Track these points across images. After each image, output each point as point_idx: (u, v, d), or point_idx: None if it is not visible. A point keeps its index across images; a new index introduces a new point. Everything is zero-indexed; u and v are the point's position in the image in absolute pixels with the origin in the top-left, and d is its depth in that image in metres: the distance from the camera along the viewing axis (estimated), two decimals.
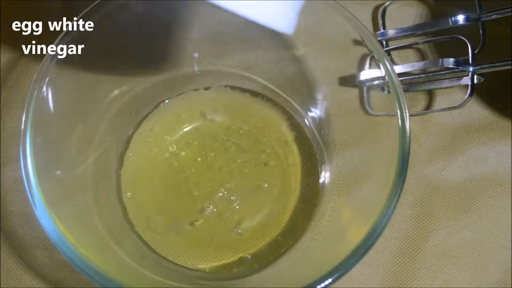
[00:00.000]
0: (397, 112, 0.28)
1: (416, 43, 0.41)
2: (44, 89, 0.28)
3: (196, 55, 0.39)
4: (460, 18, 0.37)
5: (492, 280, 0.36)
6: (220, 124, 0.39)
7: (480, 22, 0.37)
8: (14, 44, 0.40)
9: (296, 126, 0.39)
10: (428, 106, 0.40)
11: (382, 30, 0.41)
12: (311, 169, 0.38)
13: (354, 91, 0.37)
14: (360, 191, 0.33)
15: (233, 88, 0.40)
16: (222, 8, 0.28)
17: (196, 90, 0.40)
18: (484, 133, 0.39)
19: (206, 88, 0.40)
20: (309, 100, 0.38)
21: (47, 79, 0.28)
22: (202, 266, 0.35)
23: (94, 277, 0.25)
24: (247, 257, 0.35)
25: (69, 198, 0.31)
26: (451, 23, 0.37)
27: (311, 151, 0.38)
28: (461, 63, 0.34)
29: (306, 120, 0.39)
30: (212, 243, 0.35)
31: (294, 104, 0.39)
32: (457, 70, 0.34)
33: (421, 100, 0.41)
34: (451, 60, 0.34)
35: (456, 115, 0.40)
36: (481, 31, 0.37)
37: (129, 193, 0.36)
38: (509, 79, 0.40)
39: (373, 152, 0.33)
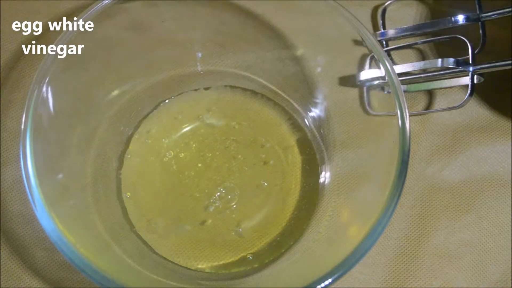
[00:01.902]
0: (397, 112, 0.28)
1: (416, 43, 0.41)
2: (44, 89, 0.28)
3: (199, 54, 0.39)
4: (460, 18, 0.37)
5: (492, 280, 0.36)
6: (220, 124, 0.39)
7: (480, 22, 0.37)
8: (14, 44, 0.40)
9: (296, 126, 0.39)
10: (428, 106, 0.40)
11: (382, 30, 0.41)
12: (311, 169, 0.38)
13: (354, 91, 0.37)
14: (360, 191, 0.33)
15: (233, 87, 0.40)
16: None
17: (196, 90, 0.40)
18: (484, 133, 0.39)
19: (206, 88, 0.40)
20: (309, 100, 0.38)
21: (47, 79, 0.28)
22: (202, 266, 0.35)
23: (94, 277, 0.24)
24: (248, 257, 0.35)
25: (69, 198, 0.31)
26: (451, 23, 0.37)
27: (311, 151, 0.38)
28: (461, 63, 0.34)
29: (306, 120, 0.39)
30: (212, 243, 0.35)
31: (294, 104, 0.39)
32: (457, 70, 0.34)
33: (421, 100, 0.41)
34: (451, 60, 0.34)
35: (456, 115, 0.40)
36: (481, 31, 0.37)
37: (128, 193, 0.36)
38: (509, 79, 0.40)
39: (373, 152, 0.33)
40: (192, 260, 0.35)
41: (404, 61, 0.41)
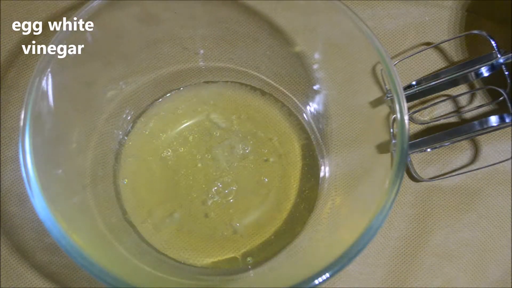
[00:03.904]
0: (396, 111, 0.28)
1: (450, 97, 0.40)
2: (44, 83, 0.28)
3: (201, 50, 0.39)
4: (484, 70, 0.35)
5: (492, 280, 0.36)
6: (219, 118, 0.39)
7: (503, 66, 0.36)
8: (13, 43, 0.40)
9: (297, 125, 0.39)
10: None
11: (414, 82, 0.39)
12: (311, 168, 0.38)
13: (355, 91, 0.36)
14: (359, 189, 0.33)
15: (234, 83, 0.40)
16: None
17: (196, 84, 0.40)
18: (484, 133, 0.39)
19: (206, 83, 0.40)
20: (312, 99, 0.38)
21: (47, 73, 0.28)
22: (197, 260, 0.35)
23: (97, 274, 0.24)
24: (246, 252, 0.35)
25: (69, 193, 0.31)
26: (473, 78, 0.36)
27: (312, 149, 0.38)
28: (505, 117, 0.33)
29: (308, 119, 0.39)
30: (209, 238, 0.36)
31: (297, 102, 0.39)
32: (504, 126, 0.34)
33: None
34: (496, 117, 0.33)
35: (456, 117, 0.40)
36: (506, 73, 0.36)
37: (126, 180, 0.37)
38: None
39: (372, 151, 0.33)
40: (187, 254, 0.35)
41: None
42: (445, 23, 0.42)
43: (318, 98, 0.38)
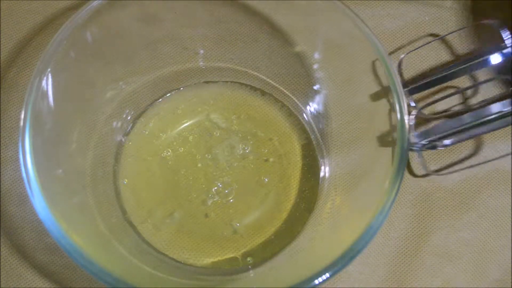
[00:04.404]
0: (397, 112, 0.28)
1: (458, 91, 0.40)
2: (44, 83, 0.28)
3: (201, 51, 0.39)
4: (493, 59, 0.35)
5: (492, 280, 0.36)
6: (219, 118, 0.39)
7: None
8: (13, 43, 0.40)
9: (297, 125, 0.39)
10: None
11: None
12: (311, 168, 0.38)
13: (355, 91, 0.37)
14: (359, 189, 0.33)
15: (234, 83, 0.40)
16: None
17: (196, 84, 0.40)
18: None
19: (207, 82, 0.40)
20: (312, 99, 0.38)
21: (47, 73, 0.28)
22: (201, 261, 0.35)
23: (97, 274, 0.24)
24: (246, 252, 0.35)
25: (69, 193, 0.31)
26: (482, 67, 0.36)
27: (312, 149, 0.38)
28: None
29: (308, 119, 0.39)
30: (209, 237, 0.36)
31: (297, 102, 0.39)
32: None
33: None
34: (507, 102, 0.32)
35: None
36: None
37: (126, 180, 0.37)
38: None
39: (372, 151, 0.33)
40: (187, 254, 0.35)
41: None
42: (445, 23, 0.42)
43: (318, 98, 0.38)
